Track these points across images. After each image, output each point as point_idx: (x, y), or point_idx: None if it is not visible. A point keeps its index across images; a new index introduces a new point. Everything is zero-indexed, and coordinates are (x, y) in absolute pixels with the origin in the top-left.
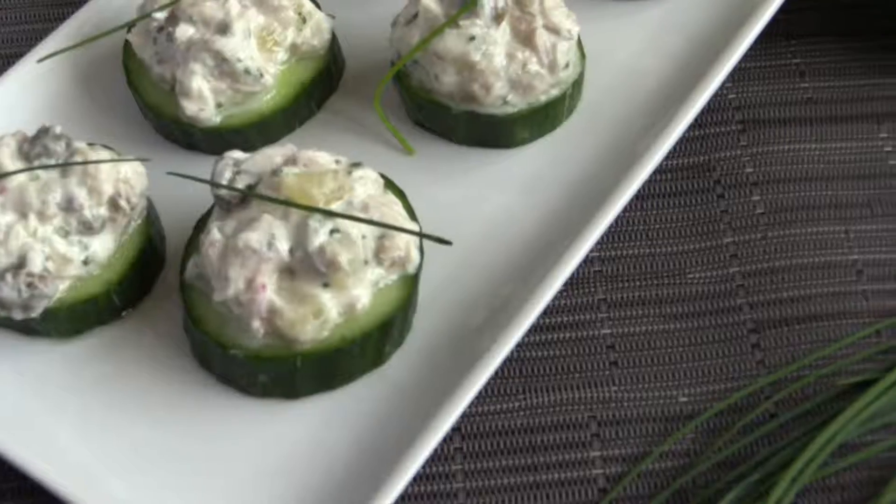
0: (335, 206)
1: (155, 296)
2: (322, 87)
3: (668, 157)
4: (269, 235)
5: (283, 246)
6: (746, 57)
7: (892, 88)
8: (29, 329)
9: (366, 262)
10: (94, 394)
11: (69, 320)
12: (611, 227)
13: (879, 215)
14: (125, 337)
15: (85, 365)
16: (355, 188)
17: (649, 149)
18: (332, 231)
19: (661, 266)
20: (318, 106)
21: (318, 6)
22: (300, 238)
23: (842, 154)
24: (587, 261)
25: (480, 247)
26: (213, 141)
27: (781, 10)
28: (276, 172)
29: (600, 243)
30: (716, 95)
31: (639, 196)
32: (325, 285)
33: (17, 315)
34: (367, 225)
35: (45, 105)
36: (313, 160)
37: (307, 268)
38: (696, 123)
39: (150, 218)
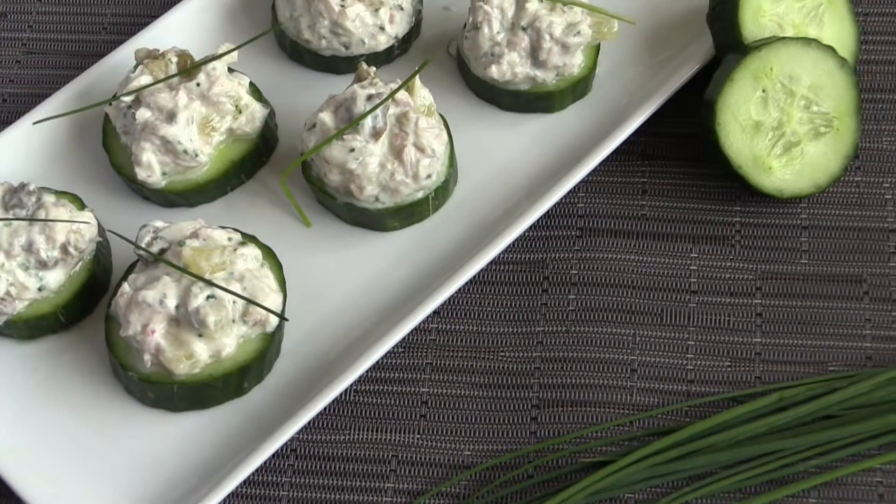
0: (219, 275)
1: (96, 316)
2: (252, 162)
3: (511, 251)
4: (162, 294)
5: (172, 303)
6: (603, 171)
7: (709, 213)
8: None
9: (234, 321)
10: (34, 388)
11: (26, 329)
12: (450, 304)
13: (666, 324)
14: (67, 346)
15: (34, 364)
16: (236, 263)
17: (491, 243)
18: (209, 297)
19: (481, 342)
20: (248, 176)
21: (259, 94)
22: (184, 299)
23: (655, 268)
24: (426, 330)
25: (343, 309)
26: (160, 198)
27: (642, 133)
28: (180, 243)
29: (439, 317)
30: (566, 203)
31: (478, 281)
32: (200, 335)
33: None
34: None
35: (39, 157)
36: (210, 236)
37: (187, 321)
38: (544, 225)
39: (98, 256)
